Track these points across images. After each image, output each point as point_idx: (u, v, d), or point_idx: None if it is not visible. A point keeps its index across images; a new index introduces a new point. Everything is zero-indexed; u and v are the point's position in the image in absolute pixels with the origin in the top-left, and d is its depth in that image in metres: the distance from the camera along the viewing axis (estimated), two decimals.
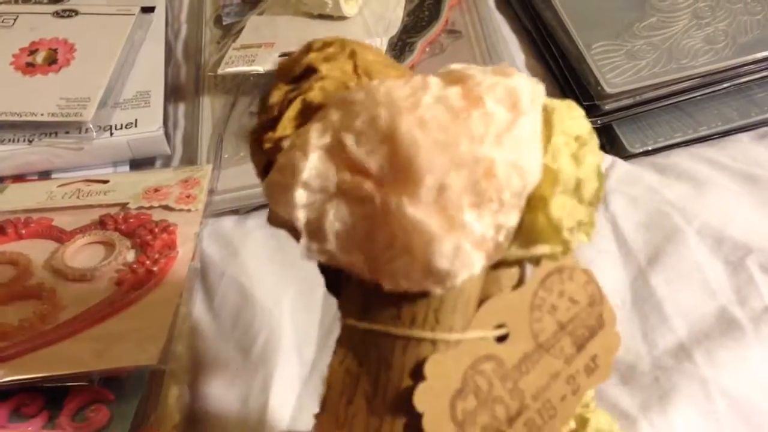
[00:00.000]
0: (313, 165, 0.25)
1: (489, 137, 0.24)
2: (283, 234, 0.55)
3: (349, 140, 0.24)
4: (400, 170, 0.24)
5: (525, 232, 0.26)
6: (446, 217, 0.24)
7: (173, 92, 0.65)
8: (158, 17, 0.67)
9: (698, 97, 0.57)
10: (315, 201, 0.25)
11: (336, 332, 0.47)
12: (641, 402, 0.43)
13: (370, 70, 0.28)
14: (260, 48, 0.61)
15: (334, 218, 0.25)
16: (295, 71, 0.28)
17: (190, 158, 0.60)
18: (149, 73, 0.62)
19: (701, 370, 0.43)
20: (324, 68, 0.28)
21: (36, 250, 0.49)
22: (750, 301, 0.46)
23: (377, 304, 0.26)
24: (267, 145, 0.27)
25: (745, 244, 0.49)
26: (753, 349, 0.44)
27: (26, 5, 0.68)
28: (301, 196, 0.25)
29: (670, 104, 0.57)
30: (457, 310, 0.26)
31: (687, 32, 0.59)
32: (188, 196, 0.53)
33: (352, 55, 0.28)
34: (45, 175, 0.57)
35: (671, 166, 0.55)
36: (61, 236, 0.50)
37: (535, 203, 0.26)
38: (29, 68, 0.61)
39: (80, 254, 0.49)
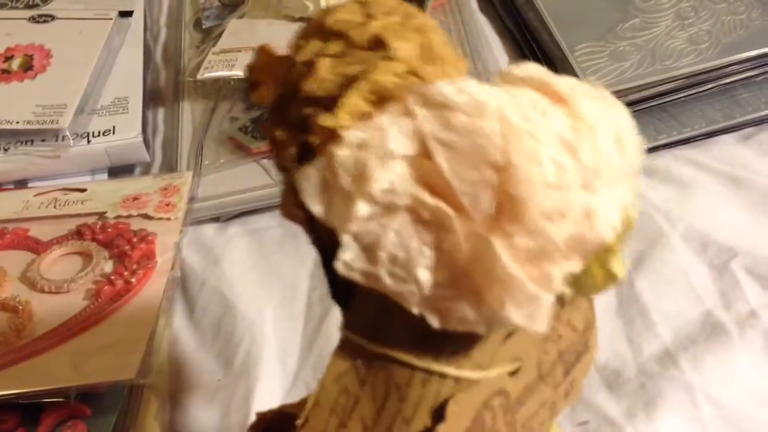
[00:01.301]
0: (389, 178, 0.21)
1: (599, 184, 0.21)
2: (264, 241, 0.54)
3: (442, 157, 0.20)
4: (502, 207, 0.20)
5: (579, 279, 0.23)
6: (539, 269, 0.21)
7: (152, 97, 0.64)
8: (136, 22, 0.66)
9: (682, 99, 0.57)
10: (374, 215, 0.21)
11: (319, 341, 0.47)
12: (627, 409, 0.42)
13: (441, 56, 0.24)
14: (240, 52, 0.60)
15: (395, 240, 0.21)
16: (356, 39, 0.23)
17: (169, 164, 0.59)
18: (127, 78, 0.61)
19: (687, 376, 0.43)
20: (396, 46, 0.23)
21: (11, 262, 0.48)
22: (735, 305, 0.46)
23: (397, 328, 0.23)
24: (313, 140, 0.22)
25: (730, 247, 0.48)
26: (739, 354, 0.43)
27: (1, 10, 0.67)
28: (363, 208, 0.21)
29: (654, 106, 0.57)
30: (486, 347, 0.24)
31: (670, 33, 0.59)
32: (168, 205, 0.52)
33: (420, 31, 0.24)
34: (21, 183, 0.56)
35: (655, 168, 0.54)
36: (37, 247, 0.49)
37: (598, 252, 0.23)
38: (4, 75, 0.59)
39: (57, 266, 0.48)
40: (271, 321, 0.48)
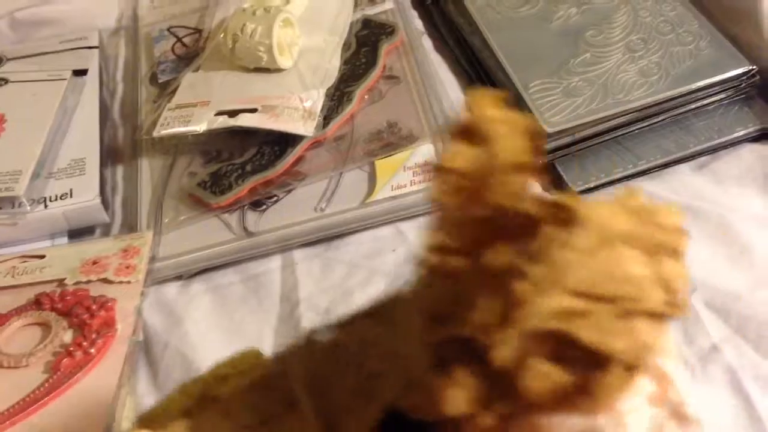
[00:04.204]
0: None
1: None
2: (228, 298, 0.54)
3: None
4: None
5: None
6: None
7: (111, 155, 0.64)
8: (92, 80, 0.66)
9: (636, 132, 0.57)
10: None
11: None
12: None
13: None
14: (195, 107, 0.60)
15: None
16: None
17: (130, 223, 0.58)
18: (84, 139, 0.61)
19: None
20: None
21: None
22: (697, 340, 0.46)
23: None
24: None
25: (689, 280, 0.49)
26: (702, 390, 0.43)
27: None
28: None
29: (610, 139, 0.57)
30: None
31: (621, 66, 0.59)
32: (128, 267, 0.52)
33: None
34: None
35: None
36: None
37: None
38: None
39: (16, 338, 0.48)
40: None
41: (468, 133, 0.24)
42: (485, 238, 0.24)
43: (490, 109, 0.24)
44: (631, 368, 0.22)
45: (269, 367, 0.31)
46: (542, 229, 0.23)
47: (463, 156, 0.24)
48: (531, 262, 0.22)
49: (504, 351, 0.22)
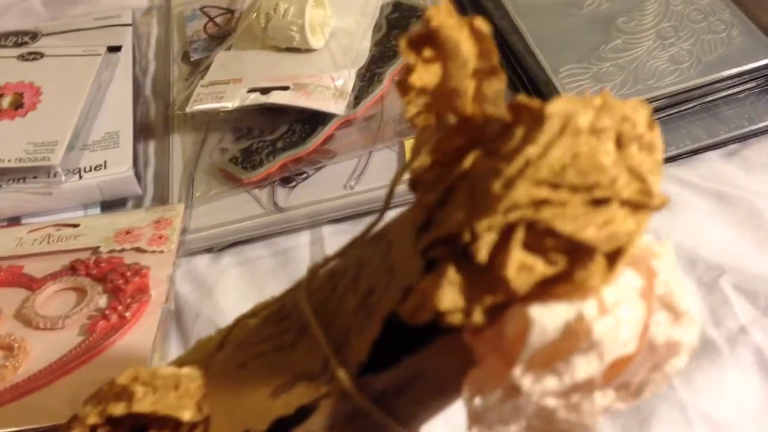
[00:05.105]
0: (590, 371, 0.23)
1: None
2: (257, 270, 0.54)
3: None
4: None
5: None
6: None
7: (143, 130, 0.64)
8: (125, 56, 0.67)
9: (666, 118, 0.58)
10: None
11: None
12: (622, 428, 0.43)
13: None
14: (228, 84, 0.61)
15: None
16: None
17: (162, 196, 0.59)
18: (118, 113, 0.62)
19: (680, 394, 0.43)
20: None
21: (6, 299, 0.49)
22: (725, 322, 0.46)
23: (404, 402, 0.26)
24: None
25: (717, 264, 0.49)
26: (730, 371, 0.44)
27: None
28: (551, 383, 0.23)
29: None
30: None
31: (652, 53, 0.60)
32: (160, 237, 0.53)
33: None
34: (14, 220, 0.57)
35: None
36: (31, 284, 0.49)
37: None
38: None
39: (51, 302, 0.49)
40: None
41: (427, 43, 0.25)
42: (463, 148, 0.25)
43: (446, 17, 0.25)
44: (612, 257, 0.23)
45: (277, 303, 0.32)
46: (512, 129, 0.23)
47: (427, 71, 0.25)
48: (503, 161, 0.23)
49: (483, 245, 0.23)
